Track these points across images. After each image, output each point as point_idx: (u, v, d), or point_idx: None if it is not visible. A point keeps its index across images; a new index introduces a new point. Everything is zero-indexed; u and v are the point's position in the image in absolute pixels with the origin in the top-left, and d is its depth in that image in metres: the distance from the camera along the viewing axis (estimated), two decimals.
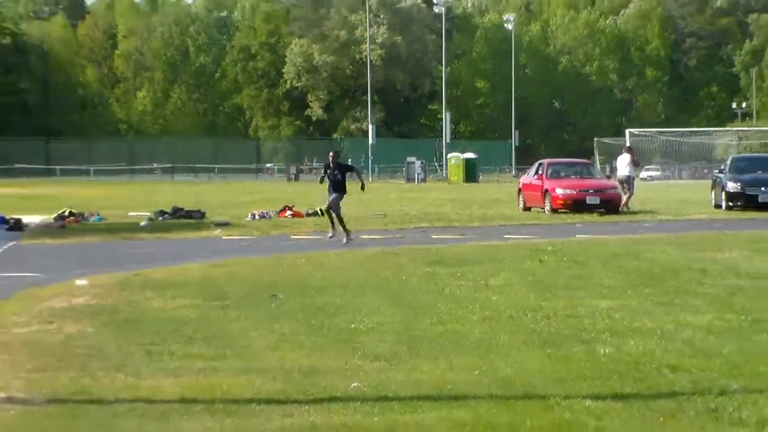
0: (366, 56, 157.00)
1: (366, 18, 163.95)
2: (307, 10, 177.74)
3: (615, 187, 66.88)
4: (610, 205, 62.92)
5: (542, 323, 22.59)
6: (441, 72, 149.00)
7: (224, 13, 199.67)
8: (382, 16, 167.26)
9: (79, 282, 30.67)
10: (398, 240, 45.21)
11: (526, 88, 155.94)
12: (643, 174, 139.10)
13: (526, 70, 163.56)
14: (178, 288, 29.09)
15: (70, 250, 41.03)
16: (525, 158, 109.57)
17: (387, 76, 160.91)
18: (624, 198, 63.89)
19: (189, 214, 59.94)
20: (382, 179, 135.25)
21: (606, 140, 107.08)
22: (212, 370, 18.16)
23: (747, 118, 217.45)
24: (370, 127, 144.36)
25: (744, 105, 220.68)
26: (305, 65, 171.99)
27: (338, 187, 45.40)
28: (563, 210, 60.74)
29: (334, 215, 43.84)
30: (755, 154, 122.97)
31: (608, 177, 77.13)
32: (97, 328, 22.73)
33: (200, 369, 18.18)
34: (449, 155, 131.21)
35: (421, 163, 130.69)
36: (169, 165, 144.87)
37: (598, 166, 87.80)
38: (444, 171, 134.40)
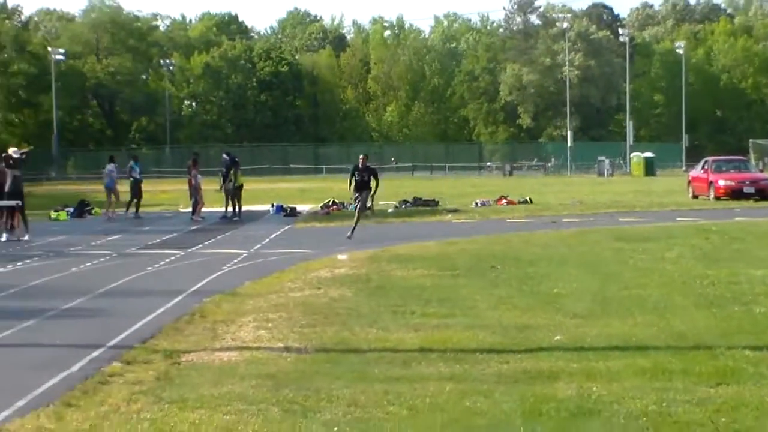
0: (566, 76, 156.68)
1: (565, 47, 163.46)
2: (519, 42, 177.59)
3: (767, 179, 65.88)
4: (763, 193, 60.72)
5: (708, 288, 22.44)
6: (626, 88, 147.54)
7: (453, 45, 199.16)
8: (578, 45, 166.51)
9: (340, 256, 30.84)
10: (591, 222, 44.72)
11: (694, 101, 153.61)
12: None
13: (694, 86, 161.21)
14: (417, 261, 29.11)
15: (333, 232, 41.19)
16: (693, 156, 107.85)
17: (582, 92, 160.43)
18: None
19: (426, 203, 59.60)
20: (578, 174, 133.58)
21: (760, 141, 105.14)
22: (445, 326, 18.24)
23: None
24: (568, 133, 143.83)
25: None
26: (516, 84, 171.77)
27: (363, 186, 40.09)
28: (725, 197, 59.34)
29: (360, 214, 38.96)
30: None
31: (761, 170, 75.70)
32: (354, 292, 22.86)
33: (435, 325, 18.27)
34: (632, 154, 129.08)
35: (610, 161, 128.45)
36: (410, 164, 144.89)
37: (753, 162, 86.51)
38: (628, 167, 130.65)
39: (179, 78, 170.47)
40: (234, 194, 50.49)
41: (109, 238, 39.24)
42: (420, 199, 60.21)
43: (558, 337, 16.79)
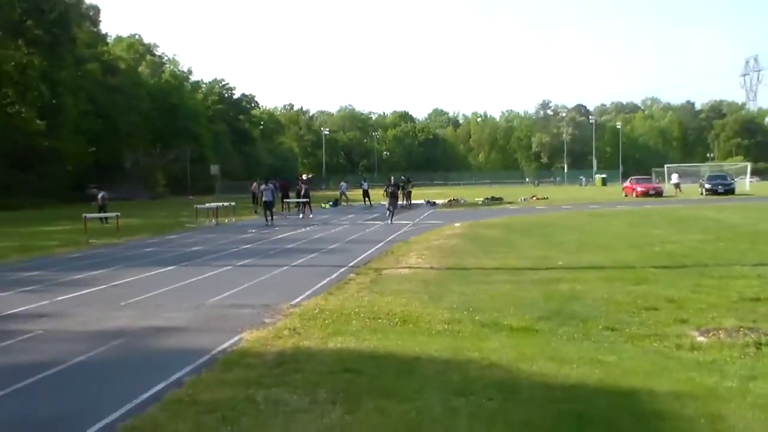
0: (564, 139, 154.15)
1: (564, 124, 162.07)
2: (540, 121, 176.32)
3: (660, 186, 64.35)
4: (659, 194, 57.33)
5: (633, 239, 21.79)
6: (592, 145, 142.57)
7: (509, 124, 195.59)
8: (570, 123, 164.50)
9: (455, 224, 30.72)
10: (576, 207, 43.17)
11: (624, 150, 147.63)
12: None
13: (625, 143, 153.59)
14: (492, 226, 28.90)
15: (454, 213, 40.86)
16: (625, 176, 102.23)
17: (572, 147, 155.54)
18: None
19: (496, 199, 57.78)
20: (569, 185, 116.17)
21: (657, 169, 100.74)
22: (506, 257, 18.21)
23: None
24: (565, 165, 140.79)
25: None
26: (540, 142, 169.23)
27: (392, 196, 34.96)
28: (640, 196, 56.32)
29: (393, 211, 34.24)
30: None
31: (657, 182, 73.03)
32: (463, 241, 22.86)
33: (502, 256, 18.26)
34: (596, 175, 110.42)
35: (585, 178, 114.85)
36: (488, 180, 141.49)
37: (654, 178, 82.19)
38: (594, 182, 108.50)
39: (381, 140, 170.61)
40: (407, 195, 50.75)
41: (349, 216, 39.54)
42: (493, 197, 59.70)
43: (560, 262, 16.76)
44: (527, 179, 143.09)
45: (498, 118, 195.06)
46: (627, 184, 64.94)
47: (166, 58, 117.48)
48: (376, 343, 9.08)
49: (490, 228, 28.57)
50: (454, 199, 57.15)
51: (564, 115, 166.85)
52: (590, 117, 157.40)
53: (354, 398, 6.74)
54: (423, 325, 10.24)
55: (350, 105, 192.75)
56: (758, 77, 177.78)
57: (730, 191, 56.83)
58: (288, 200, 45.10)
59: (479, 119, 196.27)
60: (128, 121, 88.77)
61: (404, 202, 50.65)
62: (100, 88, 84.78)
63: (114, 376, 8.06)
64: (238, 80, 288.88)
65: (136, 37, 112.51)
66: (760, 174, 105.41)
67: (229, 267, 18.03)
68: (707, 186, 58.76)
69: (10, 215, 48.62)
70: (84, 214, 29.77)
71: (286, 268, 17.59)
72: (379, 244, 22.97)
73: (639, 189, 59.11)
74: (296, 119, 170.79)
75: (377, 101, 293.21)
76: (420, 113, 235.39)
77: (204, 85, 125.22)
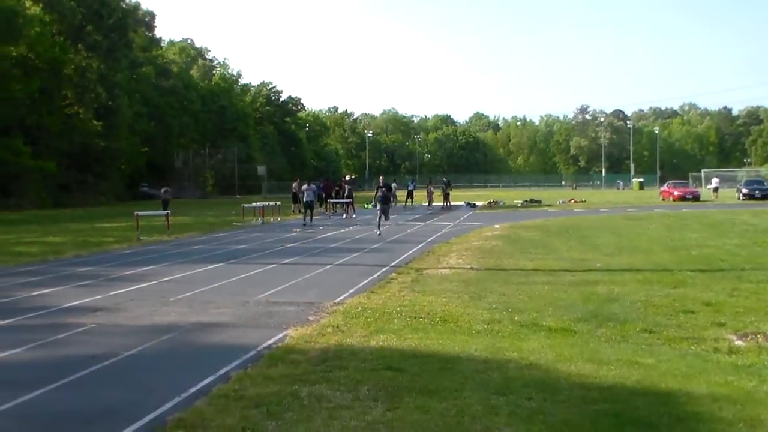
0: (602, 144, 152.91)
1: (602, 128, 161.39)
2: (579, 125, 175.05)
3: (698, 191, 63.67)
4: (696, 198, 57.22)
5: (670, 242, 21.66)
6: (630, 150, 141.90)
7: (549, 128, 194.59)
8: (608, 128, 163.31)
9: (495, 225, 30.61)
10: (613, 210, 43.21)
11: (661, 155, 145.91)
12: None
13: (662, 148, 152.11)
14: (531, 228, 28.80)
15: (493, 215, 40.74)
16: (662, 181, 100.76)
17: (609, 151, 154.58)
18: None
19: (535, 201, 58.03)
20: (607, 189, 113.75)
21: (695, 173, 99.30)
22: (544, 258, 18.13)
23: None
24: (603, 168, 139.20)
25: None
26: (577, 145, 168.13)
27: (384, 200, 28.21)
28: (677, 200, 56.04)
29: (383, 218, 27.56)
30: None
31: (695, 187, 72.29)
32: (502, 242, 22.75)
33: (540, 258, 18.20)
34: (633, 179, 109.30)
35: (623, 183, 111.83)
36: (528, 183, 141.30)
37: (691, 182, 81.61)
38: (631, 186, 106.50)
39: (423, 143, 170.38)
40: (446, 197, 50.68)
41: (391, 217, 39.42)
42: (532, 199, 59.43)
43: (598, 264, 16.63)
44: (565, 182, 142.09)
45: (537, 122, 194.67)
46: (664, 188, 64.34)
47: (216, 61, 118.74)
48: (417, 341, 9.03)
49: (528, 230, 28.40)
50: (493, 201, 57.04)
51: (602, 119, 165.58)
52: (628, 122, 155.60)
53: (395, 395, 6.70)
54: (463, 324, 10.18)
55: (393, 108, 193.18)
56: None
57: (767, 196, 56.09)
58: (331, 200, 45.13)
59: (519, 123, 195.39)
60: (180, 122, 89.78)
61: (445, 204, 50.58)
62: (153, 91, 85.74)
63: (163, 370, 8.09)
64: (285, 83, 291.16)
65: (189, 41, 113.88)
66: None
67: (274, 265, 18.08)
68: (744, 191, 58.06)
69: (68, 213, 49.30)
70: (136, 212, 30.02)
71: (329, 266, 17.60)
72: (421, 245, 22.92)
73: (676, 193, 58.59)
74: (341, 122, 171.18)
75: (420, 105, 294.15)
76: (461, 117, 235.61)
77: (252, 88, 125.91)
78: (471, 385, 7.07)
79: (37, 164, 58.08)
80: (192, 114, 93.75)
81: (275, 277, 15.53)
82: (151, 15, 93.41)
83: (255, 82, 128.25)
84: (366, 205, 52.27)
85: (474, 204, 54.13)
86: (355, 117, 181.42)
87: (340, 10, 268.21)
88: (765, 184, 60.43)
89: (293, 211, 43.57)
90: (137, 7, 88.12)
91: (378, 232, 26.96)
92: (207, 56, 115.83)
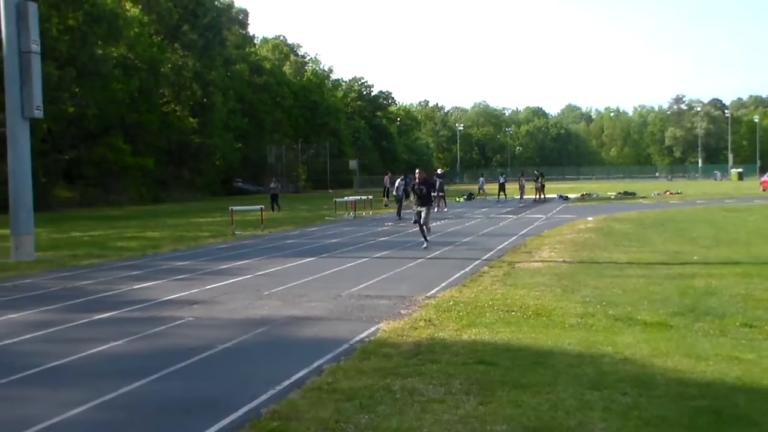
0: (697, 134, 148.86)
1: (698, 119, 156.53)
2: (675, 115, 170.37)
3: None
4: None
5: None
6: (728, 139, 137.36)
7: (643, 120, 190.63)
8: (704, 118, 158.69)
9: (588, 218, 30.22)
10: (710, 202, 42.28)
11: (762, 144, 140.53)
12: None
13: (762, 137, 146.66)
14: (625, 221, 28.35)
15: (586, 207, 40.21)
16: (762, 171, 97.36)
17: (706, 141, 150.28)
18: None
19: (629, 193, 57.04)
20: (703, 180, 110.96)
21: None
22: (639, 251, 17.82)
23: None
24: (699, 158, 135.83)
25: None
26: (672, 136, 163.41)
27: (423, 201, 20.73)
28: None
29: (425, 227, 20.44)
30: None
31: None
32: (596, 235, 22.46)
33: (634, 251, 17.90)
34: (731, 169, 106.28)
35: (720, 173, 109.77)
36: (621, 175, 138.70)
37: None
38: (729, 177, 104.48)
39: (515, 136, 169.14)
40: (540, 189, 50.14)
41: (483, 210, 39.31)
42: (626, 191, 58.38)
43: (695, 257, 16.27)
44: (659, 174, 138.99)
45: (631, 113, 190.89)
46: (765, 178, 62.43)
47: (308, 57, 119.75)
48: (509, 335, 8.97)
49: (622, 222, 27.94)
50: (586, 194, 56.31)
51: (698, 109, 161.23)
52: (725, 111, 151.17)
53: (488, 389, 6.66)
54: (556, 318, 10.06)
55: (484, 101, 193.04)
56: None
57: None
58: None
59: (612, 114, 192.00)
60: (272, 118, 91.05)
61: (537, 196, 50.06)
62: (247, 88, 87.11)
63: (258, 362, 8.21)
64: (375, 78, 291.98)
65: (281, 38, 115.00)
66: None
67: (366, 258, 18.17)
68: None
69: (165, 208, 50.55)
70: (230, 207, 30.56)
71: (421, 260, 17.60)
72: (512, 238, 22.75)
73: None
74: (432, 115, 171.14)
75: (510, 97, 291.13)
76: (552, 109, 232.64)
77: (344, 83, 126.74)
78: (564, 379, 6.99)
79: (136, 161, 59.89)
80: (284, 110, 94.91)
81: (367, 271, 15.62)
82: (245, 13, 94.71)
83: (346, 78, 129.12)
84: (458, 199, 52.13)
85: (567, 196, 53.48)
86: (446, 110, 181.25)
87: (428, 2, 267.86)
88: None
89: (385, 205, 43.74)
90: (231, 5, 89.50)
91: (424, 245, 20.11)
92: (299, 52, 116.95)
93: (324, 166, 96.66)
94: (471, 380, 6.96)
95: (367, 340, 8.99)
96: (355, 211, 37.41)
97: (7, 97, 19.67)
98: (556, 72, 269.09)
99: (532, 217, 32.52)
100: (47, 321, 10.85)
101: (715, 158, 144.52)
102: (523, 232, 25.04)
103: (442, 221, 31.53)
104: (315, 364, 7.82)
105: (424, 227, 20.46)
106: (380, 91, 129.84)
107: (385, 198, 45.34)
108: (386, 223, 30.90)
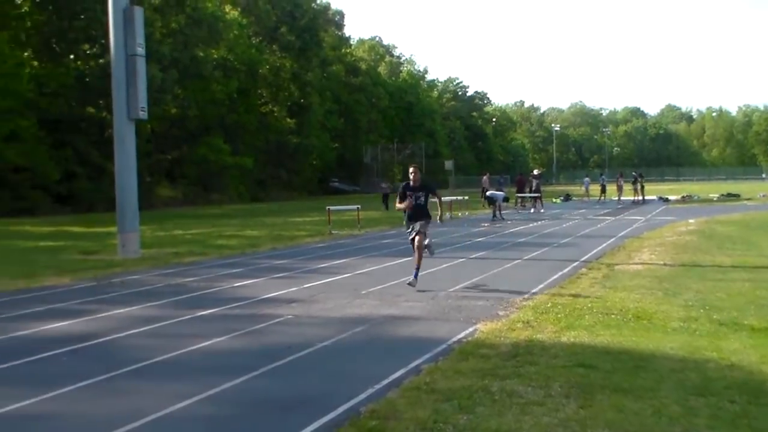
0: None
1: None
2: None
3: None
4: None
5: None
6: None
7: (747, 118, 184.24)
8: None
9: (690, 220, 29.52)
10: None
11: None
12: None
13: None
14: (729, 223, 27.71)
15: (687, 209, 39.32)
16: None
17: None
18: None
19: (733, 195, 55.58)
20: None
21: None
22: (744, 255, 17.36)
23: None
24: None
25: None
26: None
27: (417, 213, 13.70)
28: None
29: (425, 246, 13.93)
30: None
31: None
32: (697, 237, 21.94)
33: (739, 254, 17.45)
34: None
35: None
36: (723, 176, 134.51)
37: None
38: None
39: (612, 136, 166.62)
40: (640, 189, 49.27)
41: (580, 211, 38.79)
42: (729, 193, 56.83)
43: None
44: (765, 175, 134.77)
45: (734, 113, 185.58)
46: None
47: (403, 58, 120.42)
48: (609, 338, 8.82)
49: (726, 225, 27.21)
50: (687, 196, 55.10)
51: None
52: None
53: (588, 393, 6.55)
54: (657, 321, 9.83)
55: (581, 101, 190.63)
56: None
57: None
58: (521, 195, 44.75)
59: (714, 114, 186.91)
60: (368, 118, 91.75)
61: (637, 198, 49.16)
62: (343, 88, 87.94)
63: (356, 361, 8.25)
64: (471, 79, 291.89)
65: (377, 39, 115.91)
66: None
67: (463, 259, 18.13)
68: None
69: (264, 207, 51.41)
70: (327, 207, 30.86)
71: (518, 261, 17.48)
72: (611, 239, 22.39)
73: None
74: (527, 116, 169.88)
75: (608, 97, 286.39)
76: (651, 109, 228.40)
77: (439, 84, 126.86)
78: (667, 384, 6.82)
79: (236, 161, 61.08)
80: (380, 110, 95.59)
81: (464, 272, 15.58)
82: (341, 14, 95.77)
83: (441, 78, 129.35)
84: (554, 200, 51.56)
85: (667, 198, 52.38)
86: (542, 111, 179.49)
87: (524, 3, 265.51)
88: None
89: (483, 205, 43.57)
90: (327, 7, 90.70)
91: (410, 279, 13.52)
92: (394, 53, 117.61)
93: (420, 167, 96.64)
94: (571, 383, 6.86)
95: (464, 340, 8.94)
96: (450, 211, 37.32)
97: (114, 100, 20.30)
98: (655, 71, 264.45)
99: (631, 219, 31.92)
100: (153, 316, 11.15)
101: None
102: (622, 233, 24.60)
103: (539, 222, 31.20)
104: (413, 364, 7.80)
105: (425, 250, 14.08)
106: (475, 92, 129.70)
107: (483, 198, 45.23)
108: (482, 224, 30.78)
